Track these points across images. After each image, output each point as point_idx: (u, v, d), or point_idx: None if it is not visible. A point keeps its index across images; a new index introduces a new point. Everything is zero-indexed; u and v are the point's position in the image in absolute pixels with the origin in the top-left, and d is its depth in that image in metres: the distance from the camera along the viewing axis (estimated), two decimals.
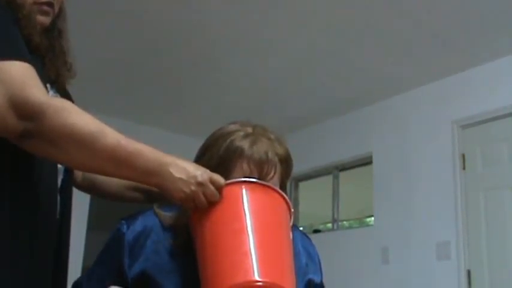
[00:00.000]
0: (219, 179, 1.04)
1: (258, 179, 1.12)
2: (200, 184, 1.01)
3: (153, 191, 1.37)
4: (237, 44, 3.83)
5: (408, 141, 4.36)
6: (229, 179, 1.10)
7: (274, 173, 1.15)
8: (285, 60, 4.05)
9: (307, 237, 1.32)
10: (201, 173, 1.02)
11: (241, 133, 1.17)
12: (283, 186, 1.20)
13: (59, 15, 1.30)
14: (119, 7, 3.37)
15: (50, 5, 1.22)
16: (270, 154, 1.15)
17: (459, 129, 4.02)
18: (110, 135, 1.00)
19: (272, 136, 1.19)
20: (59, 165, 1.22)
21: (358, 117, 4.83)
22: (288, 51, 3.92)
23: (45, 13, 1.21)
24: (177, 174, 1.01)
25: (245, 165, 1.13)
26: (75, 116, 1.00)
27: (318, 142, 5.11)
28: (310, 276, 1.25)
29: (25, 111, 0.98)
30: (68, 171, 1.26)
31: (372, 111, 4.71)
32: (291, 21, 3.53)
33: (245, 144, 1.14)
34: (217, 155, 1.15)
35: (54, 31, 1.28)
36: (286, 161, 1.19)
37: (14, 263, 1.05)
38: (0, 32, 1.05)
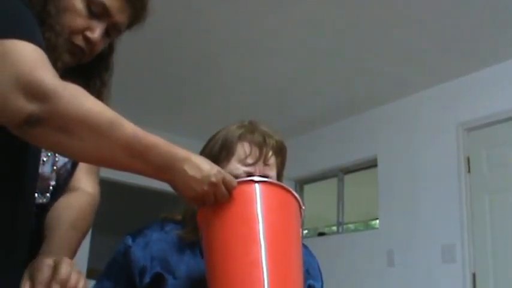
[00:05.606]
0: (231, 180, 1.02)
1: (257, 161, 1.19)
2: (213, 184, 0.99)
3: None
4: (239, 46, 3.84)
5: (413, 144, 4.35)
6: (230, 161, 1.17)
7: (272, 157, 1.22)
8: (289, 63, 4.05)
9: (307, 247, 1.32)
10: (215, 173, 1.00)
11: (238, 124, 1.26)
12: (279, 180, 1.24)
13: (107, 68, 1.28)
14: None
15: (82, 50, 1.13)
16: (267, 139, 1.23)
17: (464, 132, 4.00)
18: (127, 125, 0.94)
19: (266, 128, 1.27)
20: (48, 171, 1.16)
21: (363, 120, 4.82)
22: (293, 53, 3.92)
23: (73, 55, 1.12)
24: (190, 171, 0.97)
25: (246, 146, 1.20)
26: (92, 102, 0.93)
27: (323, 145, 5.11)
28: (311, 281, 1.26)
29: (36, 91, 0.86)
30: (69, 173, 1.25)
31: (377, 114, 4.71)
32: (294, 23, 3.53)
33: (244, 129, 1.23)
34: (218, 143, 1.22)
35: (96, 81, 1.25)
36: (280, 151, 1.25)
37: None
38: (17, 14, 0.95)
